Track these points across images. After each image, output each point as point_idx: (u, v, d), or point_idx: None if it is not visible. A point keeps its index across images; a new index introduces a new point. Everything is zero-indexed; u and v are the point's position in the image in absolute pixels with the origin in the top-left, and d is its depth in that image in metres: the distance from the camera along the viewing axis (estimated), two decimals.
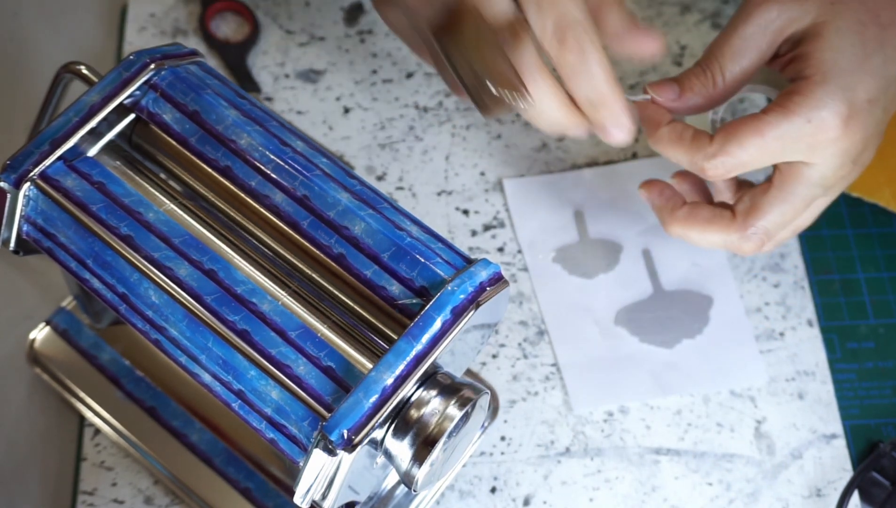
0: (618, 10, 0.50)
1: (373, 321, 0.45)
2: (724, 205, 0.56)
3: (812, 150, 0.51)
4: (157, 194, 0.47)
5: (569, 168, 0.66)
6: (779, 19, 0.51)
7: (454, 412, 0.42)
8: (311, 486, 0.41)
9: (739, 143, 0.50)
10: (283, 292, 0.45)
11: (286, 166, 0.46)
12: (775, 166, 0.53)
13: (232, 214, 0.47)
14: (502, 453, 0.58)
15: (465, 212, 0.65)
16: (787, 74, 0.53)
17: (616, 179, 0.66)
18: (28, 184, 0.46)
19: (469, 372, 0.59)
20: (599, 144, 0.67)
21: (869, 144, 0.52)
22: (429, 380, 0.42)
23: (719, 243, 0.55)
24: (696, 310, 0.62)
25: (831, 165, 0.52)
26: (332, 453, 0.40)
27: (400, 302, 0.43)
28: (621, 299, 0.62)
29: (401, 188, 0.66)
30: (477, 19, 0.48)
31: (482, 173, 0.66)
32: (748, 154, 0.51)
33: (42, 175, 0.46)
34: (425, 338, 0.42)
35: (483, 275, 0.43)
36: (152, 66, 0.48)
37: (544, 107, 0.50)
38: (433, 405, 0.42)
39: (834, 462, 0.58)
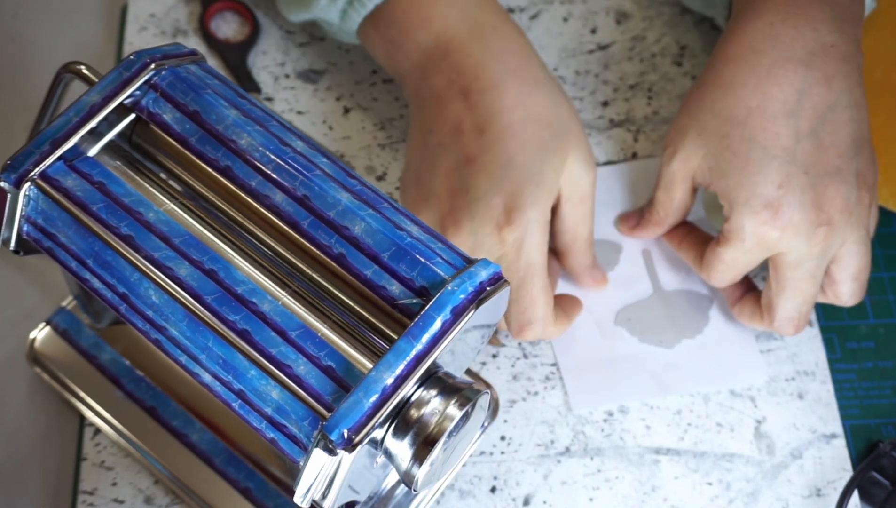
0: (581, 255, 0.60)
1: (373, 320, 0.45)
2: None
3: (770, 247, 0.56)
4: (157, 193, 0.47)
5: None
6: (680, 169, 0.58)
7: (454, 411, 0.42)
8: (311, 486, 0.41)
9: (713, 268, 0.58)
10: (283, 292, 0.45)
11: (286, 166, 0.46)
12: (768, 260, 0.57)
13: (232, 214, 0.47)
14: (502, 452, 0.58)
15: None
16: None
17: (615, 180, 0.66)
18: (28, 184, 0.46)
19: (469, 372, 0.59)
20: (599, 144, 0.67)
21: (812, 206, 0.55)
22: (429, 380, 0.42)
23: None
24: (696, 310, 0.62)
25: (799, 246, 0.55)
26: (332, 452, 0.40)
27: (400, 302, 0.43)
28: (621, 300, 0.63)
29: (400, 188, 0.66)
30: None
31: None
32: (723, 275, 0.58)
33: (42, 175, 0.46)
34: (425, 338, 0.42)
35: (483, 275, 0.43)
36: (152, 66, 0.48)
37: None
38: (433, 405, 0.42)
39: (834, 462, 0.58)
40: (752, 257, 0.57)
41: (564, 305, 0.60)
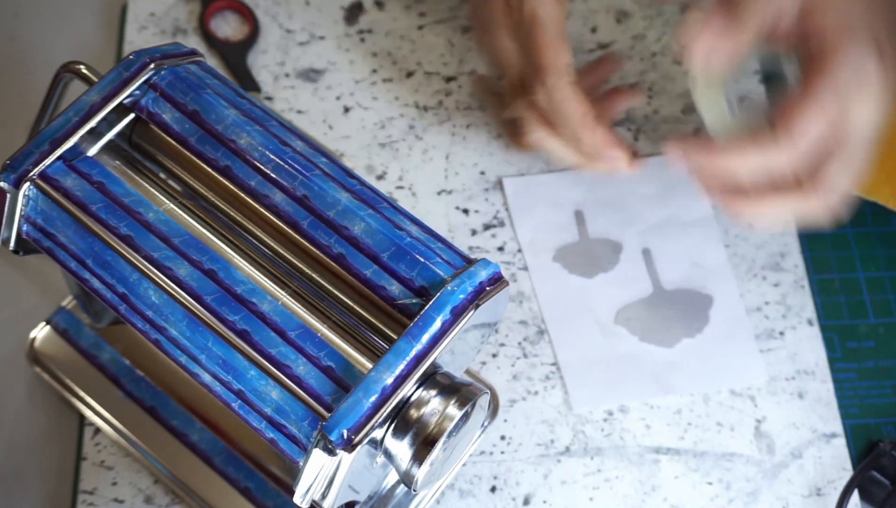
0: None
1: (373, 320, 0.45)
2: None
3: (859, 89, 0.51)
4: (156, 193, 0.47)
5: (569, 167, 0.66)
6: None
7: (454, 411, 0.42)
8: (310, 486, 0.41)
9: (802, 116, 0.51)
10: (282, 292, 0.45)
11: (286, 166, 0.46)
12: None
13: (232, 213, 0.47)
14: (502, 452, 0.58)
15: (465, 211, 0.65)
16: (798, 51, 0.53)
17: (616, 179, 0.66)
18: (28, 184, 0.46)
19: (469, 372, 0.59)
20: None
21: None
22: (429, 380, 0.42)
23: (788, 205, 0.54)
24: (696, 309, 0.62)
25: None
26: (331, 453, 0.40)
27: (400, 302, 0.43)
28: (621, 299, 0.62)
29: (401, 188, 0.66)
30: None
31: (482, 173, 0.66)
32: (813, 124, 0.51)
33: (42, 175, 0.46)
34: (425, 338, 0.42)
35: (483, 275, 0.43)
36: (152, 65, 0.48)
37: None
38: (433, 405, 0.42)
39: (834, 462, 0.58)
40: (843, 96, 0.51)
41: (602, 128, 0.58)
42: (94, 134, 0.47)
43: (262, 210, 0.46)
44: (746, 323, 0.62)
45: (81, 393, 0.58)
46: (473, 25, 0.67)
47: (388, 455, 0.42)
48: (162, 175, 0.49)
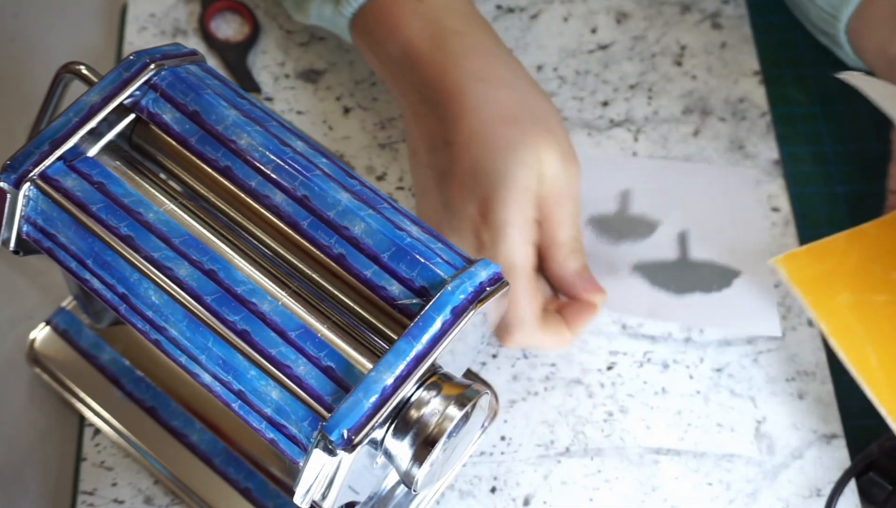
0: (563, 259, 0.57)
1: (373, 321, 0.45)
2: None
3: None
4: (157, 194, 0.47)
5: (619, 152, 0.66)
6: None
7: (454, 412, 0.42)
8: (311, 486, 0.41)
9: None
10: (283, 293, 0.45)
11: (286, 166, 0.46)
12: None
13: (232, 214, 0.47)
14: (502, 453, 0.58)
15: None
16: None
17: (672, 175, 0.66)
18: (28, 184, 0.46)
19: (469, 372, 0.59)
20: (599, 144, 0.67)
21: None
22: (429, 380, 0.42)
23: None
24: (718, 277, 0.62)
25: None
26: (332, 453, 0.40)
27: (400, 302, 0.43)
28: (643, 257, 0.62)
29: (401, 188, 0.66)
30: None
31: None
32: None
33: (42, 175, 0.46)
34: (425, 338, 0.42)
35: (483, 275, 0.43)
36: (152, 66, 0.48)
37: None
38: (433, 405, 0.42)
39: (834, 463, 0.58)
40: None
41: (569, 313, 0.57)
42: (95, 134, 0.47)
43: (262, 210, 0.46)
44: (771, 292, 0.62)
45: (81, 394, 0.58)
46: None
47: (389, 456, 0.42)
48: (162, 175, 0.49)
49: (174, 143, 0.47)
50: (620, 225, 0.64)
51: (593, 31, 0.71)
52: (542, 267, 0.57)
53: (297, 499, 0.42)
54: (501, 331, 0.56)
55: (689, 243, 0.63)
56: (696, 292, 0.61)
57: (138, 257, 0.45)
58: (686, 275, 0.62)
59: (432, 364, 0.42)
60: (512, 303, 0.54)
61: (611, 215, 0.64)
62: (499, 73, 0.56)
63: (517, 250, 0.54)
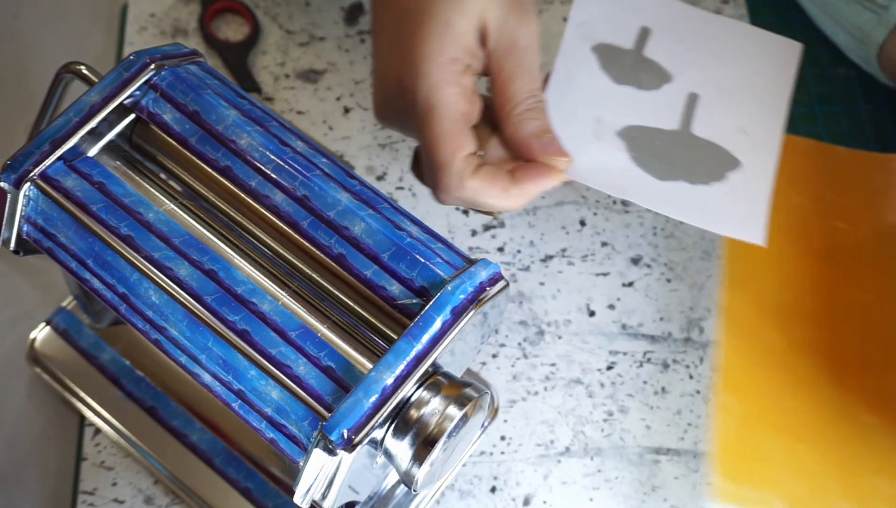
0: (519, 121, 0.50)
1: (373, 321, 0.45)
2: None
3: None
4: (157, 194, 0.47)
5: None
6: None
7: (454, 412, 0.42)
8: (311, 486, 0.41)
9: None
10: (283, 293, 0.45)
11: (286, 166, 0.46)
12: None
13: (232, 214, 0.47)
14: (502, 453, 0.58)
15: (465, 212, 0.65)
16: None
17: (700, 24, 0.58)
18: (28, 184, 0.46)
19: (469, 372, 0.59)
20: None
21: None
22: (429, 380, 0.42)
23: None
24: (713, 164, 0.54)
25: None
26: (332, 453, 0.40)
27: (400, 302, 0.43)
28: (638, 118, 0.54)
29: (401, 188, 0.66)
30: None
31: None
32: None
33: (42, 175, 0.46)
34: (425, 338, 0.42)
35: (483, 275, 0.43)
36: (152, 66, 0.48)
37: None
38: (433, 405, 0.42)
39: None
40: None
41: (522, 170, 0.50)
42: (95, 134, 0.47)
43: (262, 210, 0.46)
44: (766, 193, 0.54)
45: (81, 394, 0.58)
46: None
47: (389, 456, 0.42)
48: (162, 175, 0.49)
49: (174, 143, 0.47)
50: (630, 64, 0.56)
51: None
52: (500, 132, 0.51)
53: (297, 499, 0.42)
54: (428, 178, 0.50)
55: (697, 110, 0.55)
56: (680, 180, 0.53)
57: (138, 257, 0.45)
58: (677, 154, 0.54)
59: (432, 364, 0.42)
60: (433, 146, 0.48)
61: (624, 49, 0.56)
62: None
63: (436, 90, 0.48)
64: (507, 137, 0.50)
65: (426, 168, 0.50)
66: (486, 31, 0.50)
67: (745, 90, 0.57)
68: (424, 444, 0.41)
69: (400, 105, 0.49)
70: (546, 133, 0.50)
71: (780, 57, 0.58)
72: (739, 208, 0.53)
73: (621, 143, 0.53)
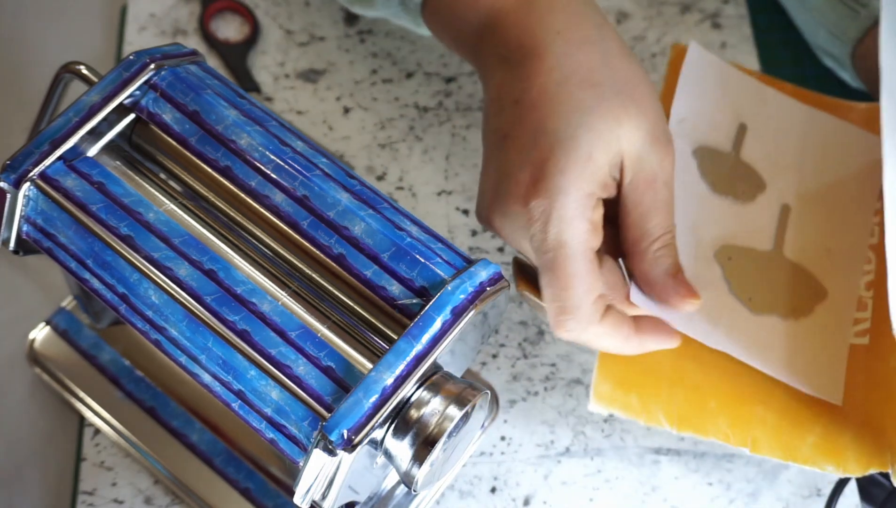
0: (650, 259, 0.49)
1: (373, 321, 0.45)
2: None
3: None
4: (157, 194, 0.47)
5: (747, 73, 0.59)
6: None
7: (454, 412, 0.42)
8: (311, 486, 0.41)
9: None
10: (283, 293, 0.45)
11: (286, 166, 0.46)
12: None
13: (232, 214, 0.47)
14: (502, 453, 0.58)
15: (465, 212, 0.65)
16: None
17: (798, 115, 0.57)
18: (28, 184, 0.46)
19: (469, 372, 0.59)
20: None
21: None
22: (429, 380, 0.42)
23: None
24: (804, 293, 0.53)
25: None
26: (332, 453, 0.40)
27: (400, 302, 0.43)
28: (734, 235, 0.53)
29: (401, 188, 0.66)
30: None
31: None
32: None
33: (42, 175, 0.46)
34: (425, 338, 0.42)
35: (483, 275, 0.43)
36: (152, 66, 0.48)
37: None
38: (433, 405, 0.42)
39: None
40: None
41: (644, 324, 0.50)
42: (95, 134, 0.47)
43: (262, 210, 0.46)
44: (846, 332, 0.53)
45: (81, 394, 0.58)
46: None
47: (389, 456, 0.42)
48: (162, 175, 0.49)
49: (174, 143, 0.47)
50: (729, 171, 0.54)
51: None
52: (628, 265, 0.50)
53: (297, 499, 0.42)
54: (552, 315, 0.48)
55: (789, 226, 0.53)
56: (773, 314, 0.51)
57: (138, 257, 0.45)
58: (771, 281, 0.52)
59: (432, 364, 0.42)
60: (562, 288, 0.47)
61: (722, 152, 0.54)
62: (585, 31, 0.50)
63: (570, 226, 0.47)
64: (638, 271, 0.49)
65: (549, 300, 0.48)
66: (623, 165, 0.48)
67: (833, 198, 0.55)
68: (424, 444, 0.41)
69: (519, 222, 0.48)
70: (679, 271, 0.49)
71: (867, 155, 0.56)
72: (822, 358, 0.51)
73: (717, 268, 0.52)
